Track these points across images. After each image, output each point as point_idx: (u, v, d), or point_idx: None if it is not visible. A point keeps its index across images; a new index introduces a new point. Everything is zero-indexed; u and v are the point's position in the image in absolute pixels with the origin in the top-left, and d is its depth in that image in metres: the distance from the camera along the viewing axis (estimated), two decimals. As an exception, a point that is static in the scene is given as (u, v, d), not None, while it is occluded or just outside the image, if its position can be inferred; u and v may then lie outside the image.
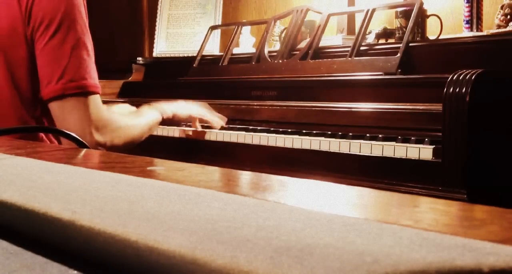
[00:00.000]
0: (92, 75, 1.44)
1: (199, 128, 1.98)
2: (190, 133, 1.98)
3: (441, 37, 1.85)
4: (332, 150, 1.57)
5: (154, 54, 2.83)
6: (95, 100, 1.45)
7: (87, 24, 1.47)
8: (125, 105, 2.04)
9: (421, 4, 1.82)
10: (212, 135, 1.91)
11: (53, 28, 1.41)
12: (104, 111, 1.48)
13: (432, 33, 1.95)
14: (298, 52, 2.03)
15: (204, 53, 2.42)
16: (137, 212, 0.36)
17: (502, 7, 1.80)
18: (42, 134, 1.47)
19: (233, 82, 2.15)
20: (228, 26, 2.60)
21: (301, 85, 1.90)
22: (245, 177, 0.57)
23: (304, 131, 1.70)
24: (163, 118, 1.76)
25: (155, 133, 2.09)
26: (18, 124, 1.45)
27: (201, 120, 1.95)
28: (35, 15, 1.42)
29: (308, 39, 2.07)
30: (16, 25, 1.44)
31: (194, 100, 2.13)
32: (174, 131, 2.05)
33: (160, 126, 2.08)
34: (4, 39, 1.45)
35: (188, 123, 2.05)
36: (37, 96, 1.47)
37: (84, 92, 1.42)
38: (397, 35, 1.97)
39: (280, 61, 2.07)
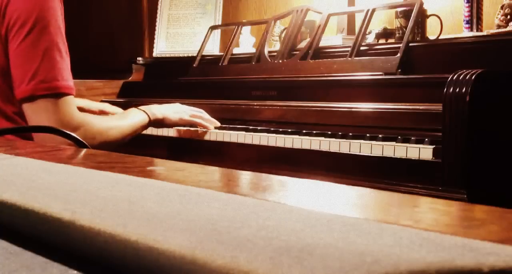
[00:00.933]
0: (65, 76, 1.44)
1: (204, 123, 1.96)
2: (190, 133, 1.98)
3: (441, 37, 1.84)
4: (332, 150, 1.57)
5: (154, 54, 2.83)
6: (67, 101, 1.45)
7: (62, 27, 1.47)
8: (105, 105, 2.05)
9: (421, 4, 1.82)
10: (212, 135, 1.91)
11: (26, 30, 1.41)
12: (76, 113, 1.48)
13: (432, 33, 1.95)
14: (298, 52, 2.03)
15: (204, 53, 2.42)
16: (137, 212, 0.36)
17: (502, 7, 1.80)
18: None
19: (233, 82, 2.15)
20: (228, 26, 2.60)
21: (301, 85, 1.90)
22: (245, 177, 0.57)
23: (304, 131, 1.70)
24: (151, 121, 1.75)
25: (155, 133, 2.10)
26: (2, 121, 1.47)
27: (193, 122, 1.92)
28: (9, 15, 1.43)
29: (308, 39, 2.07)
30: None
31: (194, 100, 2.13)
32: (174, 131, 2.05)
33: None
34: None
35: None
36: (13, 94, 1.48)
37: (55, 93, 1.42)
38: (397, 35, 1.97)
39: (280, 61, 2.07)
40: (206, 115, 1.95)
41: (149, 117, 1.74)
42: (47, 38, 1.42)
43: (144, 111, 1.74)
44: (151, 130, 2.09)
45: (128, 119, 1.67)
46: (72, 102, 1.46)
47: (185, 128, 2.01)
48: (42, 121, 1.40)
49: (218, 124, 1.95)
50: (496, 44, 1.61)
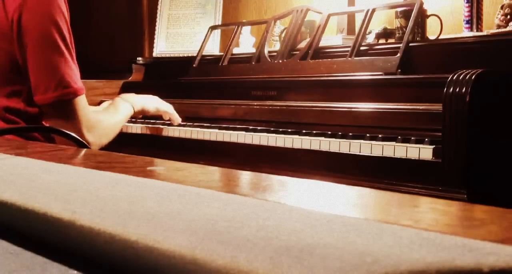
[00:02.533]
0: (76, 78, 1.52)
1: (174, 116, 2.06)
2: (190, 133, 1.98)
3: (441, 37, 1.84)
4: (332, 150, 1.57)
5: (154, 54, 2.83)
6: (84, 102, 1.53)
7: (69, 26, 1.54)
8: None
9: (421, 4, 1.82)
10: (212, 135, 1.91)
11: (44, 36, 1.48)
12: (90, 112, 1.56)
13: (432, 33, 1.95)
14: (298, 52, 2.03)
15: (204, 53, 2.42)
16: (137, 212, 0.36)
17: (502, 7, 1.80)
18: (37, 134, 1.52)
19: (233, 82, 2.15)
20: (228, 26, 2.60)
21: (301, 85, 1.90)
22: (245, 177, 0.57)
23: (304, 131, 1.70)
24: (134, 112, 1.85)
25: (154, 133, 2.10)
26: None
27: (165, 114, 2.04)
28: (24, 22, 1.48)
29: (308, 39, 2.07)
30: (2, 37, 1.51)
31: (194, 100, 2.14)
32: (174, 132, 2.05)
33: (164, 126, 2.09)
34: None
35: (188, 124, 2.05)
36: (17, 96, 1.53)
37: (76, 96, 1.50)
38: (397, 35, 1.97)
39: (280, 61, 2.07)
40: (172, 110, 2.07)
41: (133, 109, 1.84)
42: (64, 44, 1.50)
43: (129, 102, 1.83)
44: (156, 131, 2.10)
45: (121, 113, 1.76)
46: (85, 102, 1.55)
47: (186, 128, 2.01)
48: (67, 123, 1.48)
49: (180, 121, 2.07)
50: (496, 44, 1.61)
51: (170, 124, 2.09)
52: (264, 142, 1.76)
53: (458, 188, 1.31)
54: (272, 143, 1.73)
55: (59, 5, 1.51)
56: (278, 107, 1.87)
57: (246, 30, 2.54)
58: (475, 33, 1.91)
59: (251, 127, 1.88)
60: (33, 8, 1.48)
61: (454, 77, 1.35)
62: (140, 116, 2.11)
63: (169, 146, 2.05)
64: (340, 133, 1.61)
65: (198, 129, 1.98)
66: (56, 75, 1.48)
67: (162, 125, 2.11)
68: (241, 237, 0.29)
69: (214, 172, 0.62)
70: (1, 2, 1.51)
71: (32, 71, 1.50)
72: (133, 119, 2.13)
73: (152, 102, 1.98)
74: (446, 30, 1.93)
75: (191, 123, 2.04)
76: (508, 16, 1.77)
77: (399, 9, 1.96)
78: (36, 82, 1.50)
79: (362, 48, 1.85)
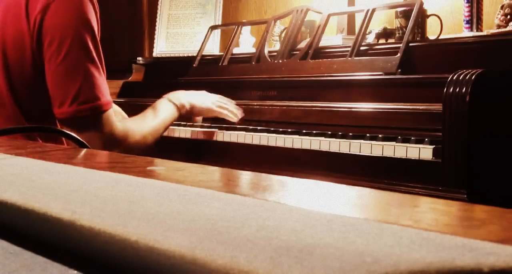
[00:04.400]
0: (105, 93, 1.43)
1: (199, 122, 1.95)
2: (190, 133, 1.98)
3: (441, 37, 1.84)
4: (332, 150, 1.57)
5: (154, 54, 2.83)
6: (108, 117, 1.43)
7: (98, 37, 1.44)
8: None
9: (421, 4, 1.82)
10: (212, 135, 1.91)
11: (66, 47, 1.38)
12: (117, 126, 1.45)
13: (432, 33, 1.95)
14: (298, 52, 2.03)
15: (204, 53, 2.42)
16: (137, 212, 0.36)
17: (502, 7, 1.80)
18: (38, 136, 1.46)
19: (233, 82, 2.15)
20: (228, 26, 2.60)
21: (301, 85, 1.90)
22: (245, 177, 0.57)
23: (304, 131, 1.70)
24: (181, 114, 1.71)
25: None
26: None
27: (219, 115, 1.89)
28: (45, 31, 1.38)
29: (308, 39, 2.07)
30: (22, 39, 1.40)
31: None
32: (174, 132, 2.05)
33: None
34: (10, 53, 1.42)
35: (188, 124, 2.05)
36: (41, 112, 1.44)
37: (97, 112, 1.41)
38: (397, 35, 1.97)
39: (280, 61, 2.07)
40: (232, 105, 1.92)
41: (180, 111, 1.70)
42: (86, 56, 1.39)
43: (174, 103, 1.69)
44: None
45: (161, 116, 1.63)
46: (112, 116, 1.45)
47: (186, 128, 2.01)
48: (85, 139, 1.38)
49: (242, 115, 1.92)
50: (496, 44, 1.61)
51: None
52: (264, 142, 1.76)
53: (458, 188, 1.31)
54: (272, 143, 1.73)
55: (89, 5, 1.40)
56: (278, 107, 1.87)
57: (246, 30, 2.54)
58: (475, 33, 1.91)
59: (251, 127, 1.87)
60: (60, 6, 1.37)
61: (454, 77, 1.35)
62: (196, 119, 1.92)
63: (168, 146, 2.05)
64: (340, 133, 1.61)
65: (198, 129, 1.98)
66: (75, 87, 1.37)
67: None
68: (241, 237, 0.29)
69: (214, 172, 0.62)
70: (24, 4, 1.40)
71: (50, 79, 1.40)
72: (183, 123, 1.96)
73: (203, 103, 1.80)
74: (446, 30, 1.93)
75: (191, 124, 2.04)
76: (508, 16, 1.77)
77: (399, 9, 1.96)
78: (53, 93, 1.40)
79: (362, 48, 1.85)
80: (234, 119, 1.91)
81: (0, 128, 0.91)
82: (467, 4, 1.96)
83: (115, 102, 2.44)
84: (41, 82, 1.43)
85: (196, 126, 2.01)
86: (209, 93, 1.88)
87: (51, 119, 1.45)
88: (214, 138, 1.90)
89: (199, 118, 1.93)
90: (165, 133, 2.05)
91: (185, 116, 1.78)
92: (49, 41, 1.39)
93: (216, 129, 1.92)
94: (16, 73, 1.44)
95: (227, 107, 1.90)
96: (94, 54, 1.41)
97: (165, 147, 2.07)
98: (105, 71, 1.46)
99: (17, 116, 1.45)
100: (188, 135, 2.00)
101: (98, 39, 1.44)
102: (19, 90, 1.44)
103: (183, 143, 2.01)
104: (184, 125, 2.05)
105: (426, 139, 1.41)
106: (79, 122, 1.40)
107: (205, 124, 1.99)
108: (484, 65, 1.43)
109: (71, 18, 1.39)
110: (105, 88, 1.44)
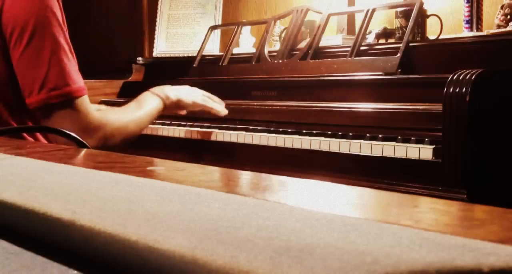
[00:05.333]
0: (75, 79, 1.38)
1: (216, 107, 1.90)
2: (190, 133, 1.98)
3: (441, 37, 1.84)
4: (332, 150, 1.57)
5: (154, 54, 2.83)
6: (82, 103, 1.38)
7: (63, 24, 1.39)
8: None
9: (421, 4, 1.82)
10: (212, 135, 1.91)
11: (27, 35, 1.34)
12: (93, 114, 1.41)
13: (432, 33, 1.95)
14: (298, 52, 2.03)
15: (204, 53, 2.42)
16: (137, 212, 0.36)
17: (502, 7, 1.80)
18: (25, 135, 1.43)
19: (233, 82, 2.15)
20: (228, 26, 2.60)
21: (301, 85, 1.90)
22: (245, 177, 0.57)
23: (304, 131, 1.70)
24: (166, 106, 1.67)
25: (154, 133, 2.09)
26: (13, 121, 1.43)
27: (205, 108, 1.87)
28: (6, 23, 1.36)
29: (308, 39, 2.07)
30: None
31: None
32: (174, 131, 2.05)
33: (163, 126, 2.09)
34: None
35: (188, 124, 2.05)
36: (20, 102, 1.40)
37: (69, 99, 1.36)
38: (397, 35, 1.97)
39: (280, 61, 2.07)
40: (216, 98, 1.90)
41: (164, 102, 1.66)
42: (50, 41, 1.34)
43: (158, 95, 1.66)
44: (151, 131, 2.09)
45: (144, 108, 1.59)
46: (87, 104, 1.40)
47: (186, 128, 2.01)
48: (61, 127, 1.35)
49: (226, 111, 1.91)
50: (496, 44, 1.61)
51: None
52: (264, 142, 1.76)
53: (458, 188, 1.31)
54: (272, 143, 1.73)
55: None
56: (278, 107, 1.87)
57: (246, 30, 2.54)
58: (475, 33, 1.91)
59: (251, 127, 1.87)
60: None
61: (454, 77, 1.35)
62: (183, 112, 1.88)
63: (168, 146, 2.05)
64: (340, 133, 1.61)
65: (198, 129, 1.98)
66: (42, 73, 1.32)
67: (161, 125, 2.10)
68: (241, 237, 0.29)
69: (214, 172, 0.62)
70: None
71: (17, 69, 1.35)
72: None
73: (190, 95, 1.77)
74: (446, 30, 1.93)
75: (191, 123, 2.04)
76: (508, 16, 1.77)
77: (399, 9, 1.96)
78: (21, 83, 1.35)
79: (362, 48, 1.85)
80: (220, 113, 1.88)
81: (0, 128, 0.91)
82: (467, 4, 1.96)
83: (115, 102, 2.44)
84: (15, 75, 1.39)
85: (196, 126, 2.01)
86: (194, 88, 1.85)
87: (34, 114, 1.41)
88: (214, 138, 1.90)
89: (183, 112, 1.90)
90: (165, 133, 2.05)
91: (171, 109, 1.74)
92: (10, 31, 1.35)
93: (216, 129, 1.92)
94: None
95: (213, 100, 1.87)
96: (60, 39, 1.36)
97: (165, 146, 2.07)
98: (74, 56, 1.40)
99: (5, 118, 1.43)
100: (188, 135, 2.00)
101: (63, 23, 1.39)
102: None
103: (183, 142, 2.01)
104: (184, 125, 2.05)
105: (426, 139, 1.41)
106: (51, 111, 1.35)
107: (205, 124, 1.99)
108: (484, 65, 1.43)
109: (30, 5, 1.35)
110: (76, 74, 1.38)
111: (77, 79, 1.39)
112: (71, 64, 1.38)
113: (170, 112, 1.83)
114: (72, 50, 1.41)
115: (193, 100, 1.79)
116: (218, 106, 1.90)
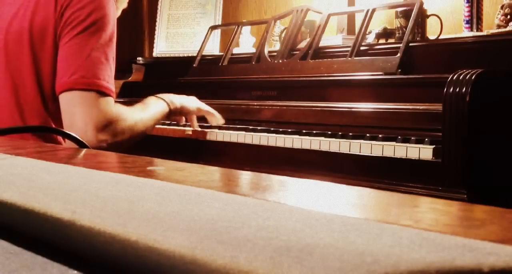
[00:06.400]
0: (107, 78, 1.45)
1: (199, 128, 1.97)
2: (190, 133, 1.98)
3: (441, 37, 1.85)
4: (332, 150, 1.57)
5: (154, 54, 2.83)
6: (107, 101, 1.45)
7: (115, 35, 1.49)
8: None
9: (421, 4, 1.82)
10: (212, 135, 1.91)
11: (79, 29, 1.44)
12: (111, 111, 1.46)
13: (432, 33, 1.95)
14: (298, 52, 2.03)
15: (204, 53, 2.42)
16: (137, 212, 0.36)
17: (502, 7, 1.80)
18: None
19: (233, 82, 2.15)
20: (228, 26, 2.60)
21: (301, 85, 1.90)
22: (245, 177, 0.57)
23: (304, 131, 1.70)
24: (171, 110, 1.72)
25: (154, 133, 2.09)
26: (37, 119, 1.47)
27: (207, 114, 1.90)
28: (66, 15, 1.45)
29: (308, 39, 2.07)
30: (48, 23, 1.47)
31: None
32: (174, 131, 2.05)
33: (167, 127, 2.08)
34: (35, 35, 1.48)
35: (188, 124, 2.05)
36: (46, 106, 1.49)
37: (94, 89, 1.42)
38: (397, 35, 1.97)
39: (280, 61, 2.07)
40: (215, 111, 1.94)
41: (169, 107, 1.71)
42: (96, 41, 1.44)
43: (163, 100, 1.70)
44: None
45: (150, 110, 1.63)
46: (110, 104, 1.45)
47: (185, 128, 2.01)
48: (76, 114, 1.40)
49: (223, 121, 1.94)
50: (496, 44, 1.61)
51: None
52: (264, 142, 1.76)
53: (458, 188, 1.31)
54: (272, 143, 1.73)
55: (111, 2, 1.47)
56: (278, 107, 1.87)
57: (246, 30, 2.54)
58: (475, 33, 1.91)
59: (251, 127, 1.88)
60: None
61: (454, 77, 1.35)
62: (182, 119, 1.93)
63: (168, 146, 2.05)
64: (340, 133, 1.61)
65: (198, 129, 1.98)
66: (77, 62, 1.42)
67: (161, 125, 2.10)
68: (241, 237, 0.29)
69: (214, 172, 0.62)
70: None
71: (60, 53, 1.44)
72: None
73: (192, 102, 1.84)
74: (446, 30, 1.93)
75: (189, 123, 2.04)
76: (508, 16, 1.77)
77: (399, 9, 1.96)
78: (59, 66, 1.44)
79: (362, 48, 1.85)
80: (219, 121, 1.92)
81: (0, 128, 0.91)
82: (467, 4, 1.96)
83: (115, 102, 2.44)
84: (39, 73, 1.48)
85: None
86: (194, 97, 1.90)
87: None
88: (214, 138, 1.90)
89: (183, 121, 1.94)
90: (165, 133, 2.05)
91: (175, 114, 1.79)
92: (67, 23, 1.45)
93: (216, 129, 1.92)
94: (40, 55, 1.48)
95: (211, 112, 1.92)
96: (107, 43, 1.46)
97: (165, 146, 2.07)
98: (113, 65, 1.49)
99: (36, 95, 1.49)
100: (187, 135, 2.00)
101: (115, 37, 1.49)
102: (42, 70, 1.48)
103: (183, 142, 2.01)
104: (184, 125, 2.05)
105: (426, 139, 1.41)
106: (73, 96, 1.41)
107: (205, 124, 1.99)
108: (484, 65, 1.43)
109: (93, 9, 1.45)
110: (109, 76, 1.46)
111: (108, 80, 1.46)
112: (107, 67, 1.47)
113: (173, 119, 1.87)
114: (114, 59, 1.50)
115: (197, 106, 1.84)
116: (218, 114, 1.93)
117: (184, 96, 1.84)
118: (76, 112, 1.41)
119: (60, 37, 1.46)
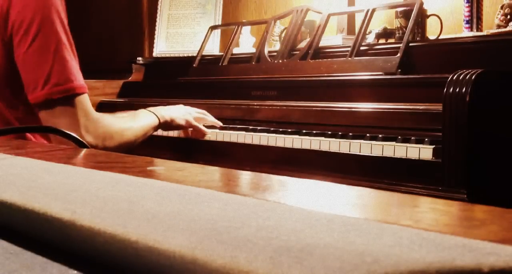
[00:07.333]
0: (77, 76, 1.42)
1: (204, 129, 1.96)
2: (190, 133, 1.98)
3: (441, 37, 1.84)
4: (332, 150, 1.57)
5: (154, 54, 2.83)
6: (83, 101, 1.43)
7: (66, 22, 1.44)
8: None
9: (421, 4, 1.82)
10: (212, 135, 1.91)
11: (33, 32, 1.39)
12: (92, 112, 1.46)
13: (432, 33, 1.95)
14: (298, 52, 2.03)
15: (204, 53, 2.42)
16: (137, 212, 0.36)
17: (502, 7, 1.80)
18: (29, 134, 1.46)
19: (233, 82, 2.15)
20: (228, 26, 2.60)
21: (301, 85, 1.90)
22: (245, 177, 0.57)
23: (304, 131, 1.70)
24: (161, 123, 1.74)
25: (154, 133, 2.09)
26: (2, 126, 1.44)
27: (200, 121, 1.92)
28: (12, 19, 1.40)
29: (308, 39, 2.07)
30: None
31: (194, 100, 2.13)
32: (174, 131, 2.05)
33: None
34: None
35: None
36: (18, 98, 1.45)
37: (71, 95, 1.40)
38: (397, 35, 1.97)
39: (280, 61, 2.07)
40: (210, 117, 1.95)
41: (159, 120, 1.73)
42: (54, 39, 1.39)
43: (153, 113, 1.72)
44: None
45: (139, 121, 1.64)
46: (87, 102, 1.44)
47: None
48: (61, 125, 1.37)
49: (221, 124, 1.95)
50: (496, 44, 1.61)
51: None
52: (264, 142, 1.76)
53: (458, 188, 1.31)
54: (272, 143, 1.73)
55: None
56: (278, 107, 1.87)
57: (246, 30, 2.54)
58: (475, 33, 1.91)
59: (251, 127, 1.88)
60: None
61: (454, 77, 1.35)
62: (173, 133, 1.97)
63: (167, 146, 2.05)
64: (340, 133, 1.61)
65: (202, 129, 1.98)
66: (46, 70, 1.37)
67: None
68: (241, 237, 0.29)
69: (214, 172, 0.62)
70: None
71: (20, 65, 1.39)
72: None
73: (183, 115, 1.85)
74: (446, 30, 1.93)
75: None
76: (508, 16, 1.77)
77: (399, 9, 1.96)
78: (25, 79, 1.40)
79: (362, 48, 1.85)
80: (217, 123, 1.94)
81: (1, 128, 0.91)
82: (467, 4, 1.96)
83: (115, 102, 2.44)
84: (16, 72, 1.43)
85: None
86: (187, 106, 1.91)
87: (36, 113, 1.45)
88: (214, 138, 1.90)
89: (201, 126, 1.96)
90: (165, 133, 2.05)
91: (165, 127, 1.81)
92: (16, 27, 1.39)
93: (216, 129, 1.92)
94: None
95: (205, 119, 1.93)
96: (63, 38, 1.41)
97: (165, 146, 2.06)
98: (76, 55, 1.45)
99: (2, 112, 1.45)
100: (187, 135, 2.00)
101: (66, 23, 1.44)
102: None
103: (183, 142, 2.01)
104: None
105: (426, 139, 1.41)
106: (53, 106, 1.40)
107: (205, 124, 1.99)
108: (484, 65, 1.43)
109: (35, 3, 1.39)
110: (77, 72, 1.43)
111: (79, 77, 1.43)
112: (73, 63, 1.43)
113: (164, 130, 1.89)
114: (74, 49, 1.45)
115: (186, 120, 1.86)
116: (213, 118, 1.94)
117: (172, 107, 1.86)
118: (60, 122, 1.39)
119: (13, 45, 1.40)
